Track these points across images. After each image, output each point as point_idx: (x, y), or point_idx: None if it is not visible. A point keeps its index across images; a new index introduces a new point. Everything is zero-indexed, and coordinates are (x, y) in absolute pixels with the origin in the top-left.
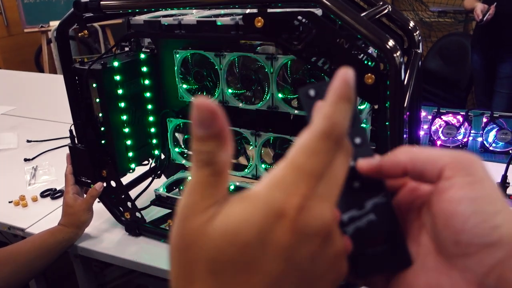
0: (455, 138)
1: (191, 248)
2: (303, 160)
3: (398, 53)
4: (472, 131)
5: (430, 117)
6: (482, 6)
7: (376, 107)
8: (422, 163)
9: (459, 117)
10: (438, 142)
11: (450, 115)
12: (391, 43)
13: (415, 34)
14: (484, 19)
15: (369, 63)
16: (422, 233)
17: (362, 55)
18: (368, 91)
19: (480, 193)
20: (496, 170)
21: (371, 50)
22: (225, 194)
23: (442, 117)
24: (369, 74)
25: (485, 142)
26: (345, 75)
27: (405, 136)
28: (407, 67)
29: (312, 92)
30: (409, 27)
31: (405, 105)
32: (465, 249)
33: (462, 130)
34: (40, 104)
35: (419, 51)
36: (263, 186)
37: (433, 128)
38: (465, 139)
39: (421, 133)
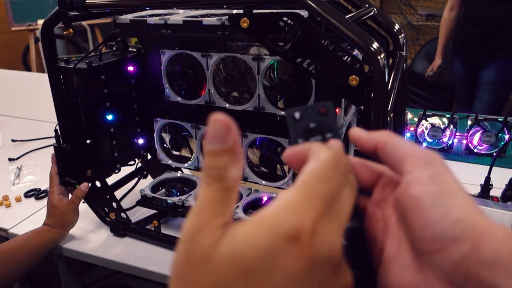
0: (441, 140)
1: (195, 272)
2: (314, 185)
3: (382, 55)
4: (457, 134)
5: (416, 119)
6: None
7: (362, 108)
8: (391, 147)
9: (444, 119)
10: (424, 144)
11: (436, 117)
12: (375, 45)
13: (400, 36)
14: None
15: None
16: (401, 230)
17: (346, 56)
18: (352, 92)
19: (440, 187)
20: (480, 172)
21: (356, 52)
22: (233, 213)
23: (428, 119)
24: (354, 76)
25: (470, 144)
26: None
27: None
28: (392, 69)
29: (297, 115)
30: (394, 30)
31: (389, 107)
32: (431, 245)
33: (448, 132)
34: (26, 103)
35: (403, 54)
36: (272, 209)
37: (419, 130)
38: (450, 141)
39: (407, 135)
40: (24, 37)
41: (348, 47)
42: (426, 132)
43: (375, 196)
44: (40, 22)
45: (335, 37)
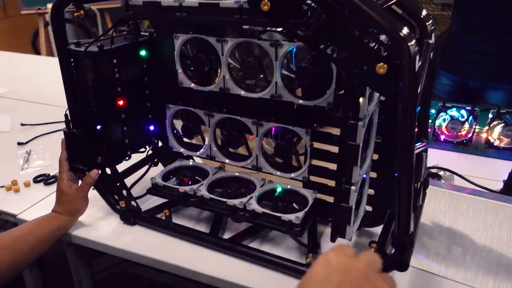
0: (459, 133)
1: None
2: None
3: (413, 41)
4: (477, 127)
5: (433, 111)
6: None
7: (384, 98)
8: None
9: (464, 111)
10: (442, 137)
11: (455, 109)
12: (405, 31)
13: (427, 23)
14: None
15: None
16: None
17: (373, 43)
18: (379, 81)
19: None
20: (501, 167)
21: (383, 38)
22: None
23: (447, 111)
24: (382, 64)
25: (490, 138)
26: None
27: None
28: (419, 58)
29: None
30: (421, 16)
31: (418, 97)
32: None
33: (467, 125)
34: (36, 86)
35: (431, 42)
36: None
37: (438, 122)
38: (470, 135)
39: None
40: (33, 21)
41: (374, 33)
42: (445, 124)
43: None
44: (50, 6)
45: (361, 22)
